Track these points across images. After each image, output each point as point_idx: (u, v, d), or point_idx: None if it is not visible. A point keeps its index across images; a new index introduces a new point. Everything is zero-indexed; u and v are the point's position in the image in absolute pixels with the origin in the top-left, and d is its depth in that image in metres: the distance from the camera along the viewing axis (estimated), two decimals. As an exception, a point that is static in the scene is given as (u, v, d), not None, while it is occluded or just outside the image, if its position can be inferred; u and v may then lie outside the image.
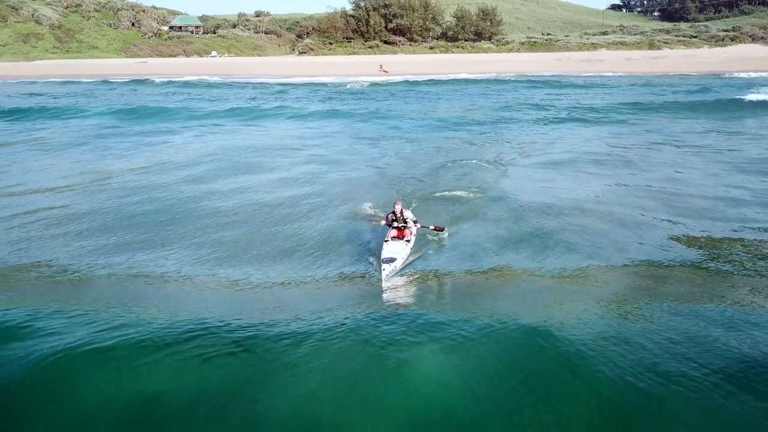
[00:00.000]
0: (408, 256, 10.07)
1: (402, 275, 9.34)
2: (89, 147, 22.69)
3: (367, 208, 13.22)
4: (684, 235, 10.81)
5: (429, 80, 58.79)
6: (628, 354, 5.81)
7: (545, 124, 27.99)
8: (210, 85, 56.83)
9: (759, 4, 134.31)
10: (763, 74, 57.70)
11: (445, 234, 11.29)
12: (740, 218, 11.91)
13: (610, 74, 65.48)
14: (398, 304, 7.82)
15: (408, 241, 10.45)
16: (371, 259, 10.10)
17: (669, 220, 11.84)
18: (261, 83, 58.81)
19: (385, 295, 8.36)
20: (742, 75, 58.57)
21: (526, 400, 5.20)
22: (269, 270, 9.47)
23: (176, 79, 62.60)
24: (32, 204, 13.43)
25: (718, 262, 9.27)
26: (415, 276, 9.41)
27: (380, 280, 9.10)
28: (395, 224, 10.69)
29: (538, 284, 8.56)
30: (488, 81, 57.25)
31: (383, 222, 10.86)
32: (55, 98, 43.53)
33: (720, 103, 33.36)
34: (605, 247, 10.35)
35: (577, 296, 7.51)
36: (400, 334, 6.26)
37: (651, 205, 13.04)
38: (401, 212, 10.74)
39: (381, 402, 5.13)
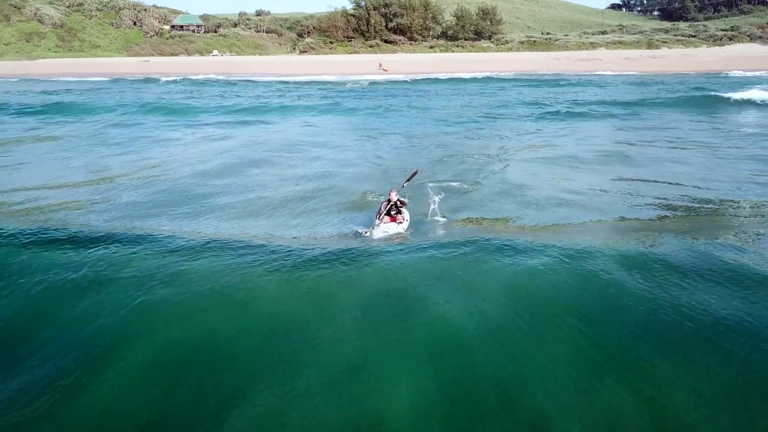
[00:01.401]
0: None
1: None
2: (105, 144, 23.61)
3: (368, 196, 14.30)
4: (660, 213, 12.07)
5: (429, 79, 59.75)
6: (603, 285, 7.22)
7: (543, 121, 28.96)
8: (215, 84, 57.75)
9: (758, 3, 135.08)
10: (758, 73, 58.70)
11: (418, 174, 12.87)
12: (711, 200, 13.10)
13: (608, 73, 66.45)
14: (403, 250, 8.76)
15: (400, 223, 11.07)
16: (364, 232, 10.81)
17: (649, 204, 13.01)
18: (264, 82, 59.82)
19: (385, 244, 9.40)
20: (738, 74, 59.53)
21: (527, 324, 6.42)
22: (286, 237, 10.86)
23: (181, 78, 63.53)
24: (65, 195, 14.63)
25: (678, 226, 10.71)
26: (419, 230, 10.81)
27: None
28: (389, 211, 11.07)
29: (530, 237, 9.76)
30: (487, 79, 58.23)
31: (367, 233, 10.95)
32: (64, 96, 44.46)
33: (708, 101, 34.47)
34: (588, 213, 12.14)
35: (563, 243, 8.72)
36: (407, 276, 7.37)
37: (637, 191, 14.44)
38: (397, 200, 11.15)
39: (398, 333, 6.24)
